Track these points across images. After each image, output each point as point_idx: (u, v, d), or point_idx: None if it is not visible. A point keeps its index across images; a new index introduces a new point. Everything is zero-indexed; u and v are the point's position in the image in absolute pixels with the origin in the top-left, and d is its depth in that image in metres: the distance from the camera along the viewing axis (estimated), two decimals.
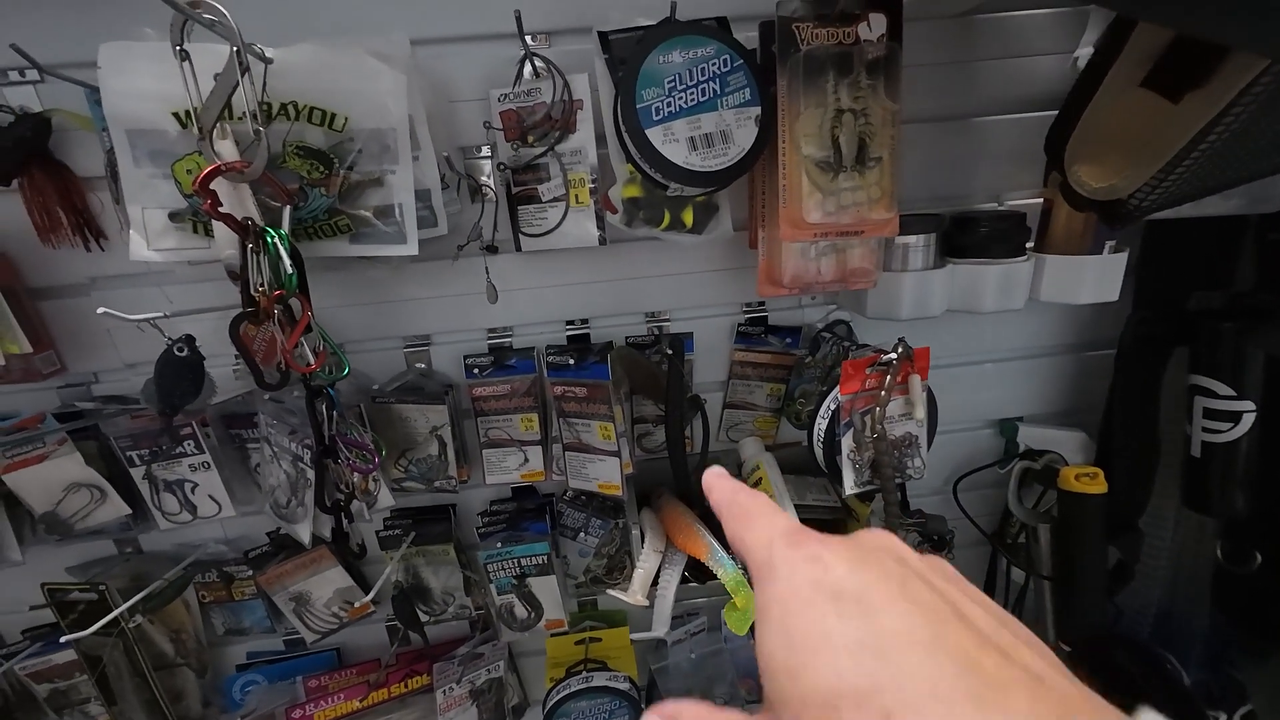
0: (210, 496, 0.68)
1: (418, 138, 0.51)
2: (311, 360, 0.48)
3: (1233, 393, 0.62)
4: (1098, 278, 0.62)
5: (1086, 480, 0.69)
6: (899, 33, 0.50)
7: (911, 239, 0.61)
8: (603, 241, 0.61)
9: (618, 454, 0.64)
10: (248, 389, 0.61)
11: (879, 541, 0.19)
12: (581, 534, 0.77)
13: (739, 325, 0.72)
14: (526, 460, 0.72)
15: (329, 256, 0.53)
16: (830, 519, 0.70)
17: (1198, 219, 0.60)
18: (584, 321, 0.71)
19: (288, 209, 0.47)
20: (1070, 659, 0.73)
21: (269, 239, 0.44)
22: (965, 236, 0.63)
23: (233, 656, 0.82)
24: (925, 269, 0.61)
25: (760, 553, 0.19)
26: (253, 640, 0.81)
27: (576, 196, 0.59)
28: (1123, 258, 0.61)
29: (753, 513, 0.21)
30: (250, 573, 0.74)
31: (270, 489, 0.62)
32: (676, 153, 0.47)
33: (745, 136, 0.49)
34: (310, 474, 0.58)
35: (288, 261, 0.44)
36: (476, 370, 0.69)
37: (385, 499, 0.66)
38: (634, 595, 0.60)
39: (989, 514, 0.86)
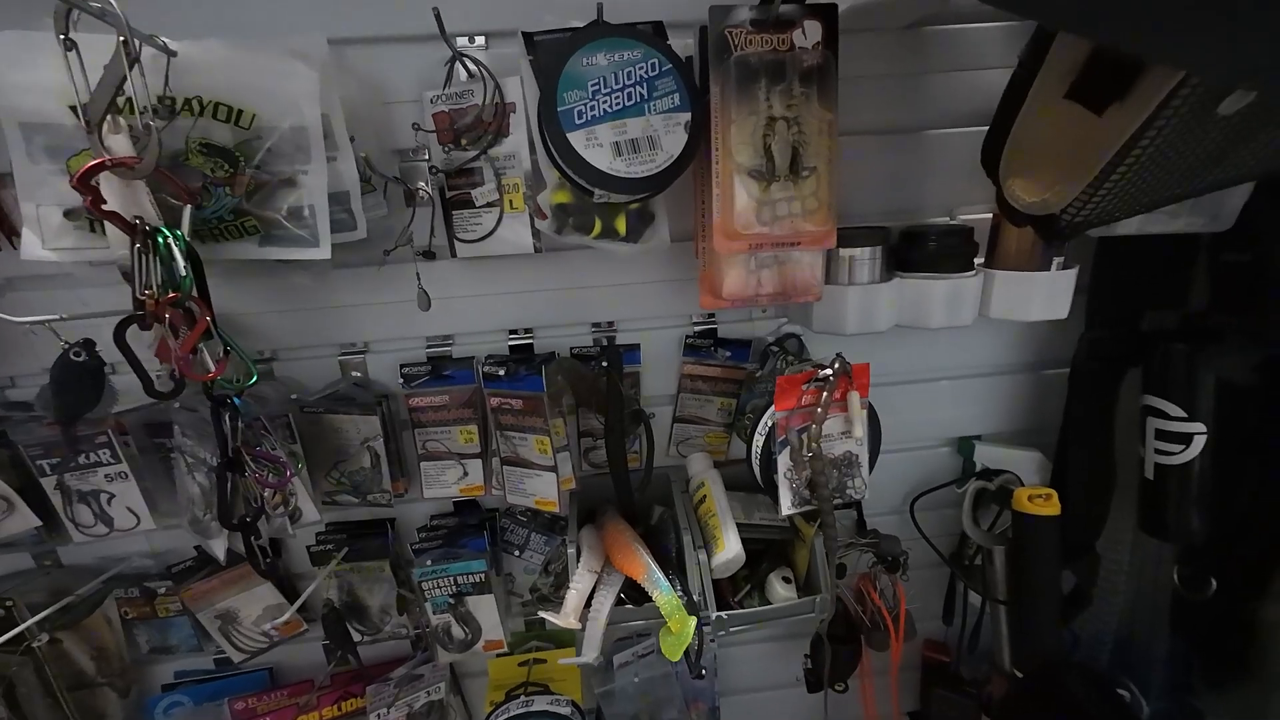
0: (128, 508, 0.65)
1: (335, 138, 0.49)
2: (211, 367, 0.45)
3: (1184, 414, 0.61)
4: (1047, 294, 0.60)
5: (1040, 502, 0.67)
6: (834, 41, 0.49)
7: (856, 251, 0.60)
8: (538, 249, 0.59)
9: (554, 469, 0.62)
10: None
11: None
12: (526, 550, 0.75)
13: (688, 337, 0.70)
14: (466, 474, 0.69)
15: (244, 260, 0.51)
16: (779, 539, 0.68)
17: (1150, 237, 0.59)
18: (527, 331, 0.69)
19: (188, 209, 0.44)
20: (1023, 688, 0.71)
21: (160, 239, 0.41)
22: (913, 251, 0.62)
23: (160, 676, 0.79)
24: (871, 283, 0.60)
25: None
26: (180, 659, 0.78)
27: (511, 202, 0.57)
28: (1071, 274, 0.60)
29: None
30: (173, 589, 0.71)
31: (186, 502, 0.60)
32: (600, 158, 0.45)
33: (674, 143, 0.47)
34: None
35: (181, 263, 0.42)
36: (413, 380, 0.66)
37: (311, 513, 0.63)
38: (565, 617, 0.57)
39: (948, 534, 0.84)
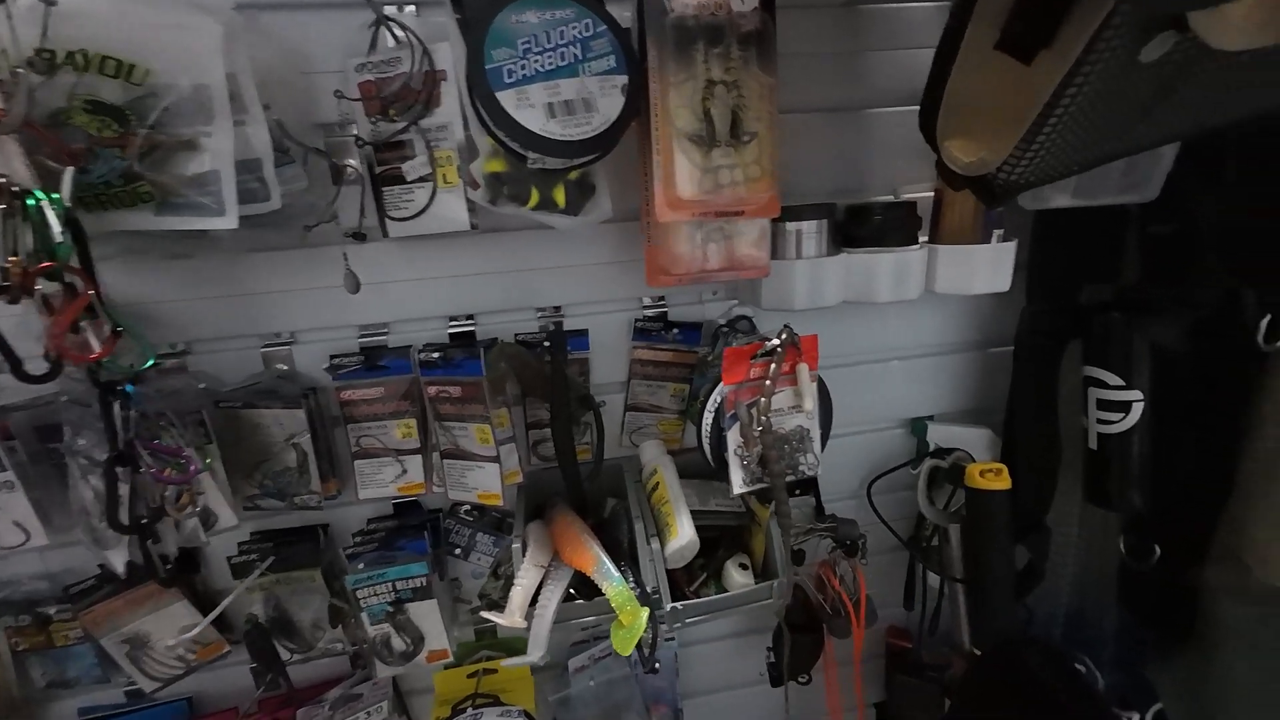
0: (15, 523, 0.58)
1: (244, 101, 0.45)
2: (96, 347, 0.40)
3: (1121, 382, 0.62)
4: (989, 267, 0.61)
5: (991, 476, 0.67)
6: (771, 5, 0.48)
7: (803, 225, 0.59)
8: (475, 226, 0.56)
9: (497, 460, 0.58)
10: (55, 393, 0.52)
11: None
12: (472, 553, 0.70)
13: (637, 321, 0.68)
14: (405, 471, 0.65)
15: (148, 237, 0.47)
16: (735, 525, 0.66)
17: (1082, 210, 0.60)
18: (469, 318, 0.66)
19: (70, 171, 0.40)
20: (982, 666, 0.71)
21: (31, 202, 0.37)
22: (859, 226, 0.62)
23: (60, 714, 0.70)
24: (818, 256, 0.59)
25: None
26: (84, 693, 0.69)
27: (445, 176, 0.54)
28: (1011, 247, 0.61)
29: None
30: (71, 612, 0.63)
31: (80, 511, 0.53)
32: (532, 119, 0.43)
33: (610, 106, 0.45)
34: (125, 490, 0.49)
35: (57, 228, 0.37)
36: (343, 371, 0.62)
37: (227, 518, 0.57)
38: (510, 615, 0.53)
39: (906, 516, 0.84)
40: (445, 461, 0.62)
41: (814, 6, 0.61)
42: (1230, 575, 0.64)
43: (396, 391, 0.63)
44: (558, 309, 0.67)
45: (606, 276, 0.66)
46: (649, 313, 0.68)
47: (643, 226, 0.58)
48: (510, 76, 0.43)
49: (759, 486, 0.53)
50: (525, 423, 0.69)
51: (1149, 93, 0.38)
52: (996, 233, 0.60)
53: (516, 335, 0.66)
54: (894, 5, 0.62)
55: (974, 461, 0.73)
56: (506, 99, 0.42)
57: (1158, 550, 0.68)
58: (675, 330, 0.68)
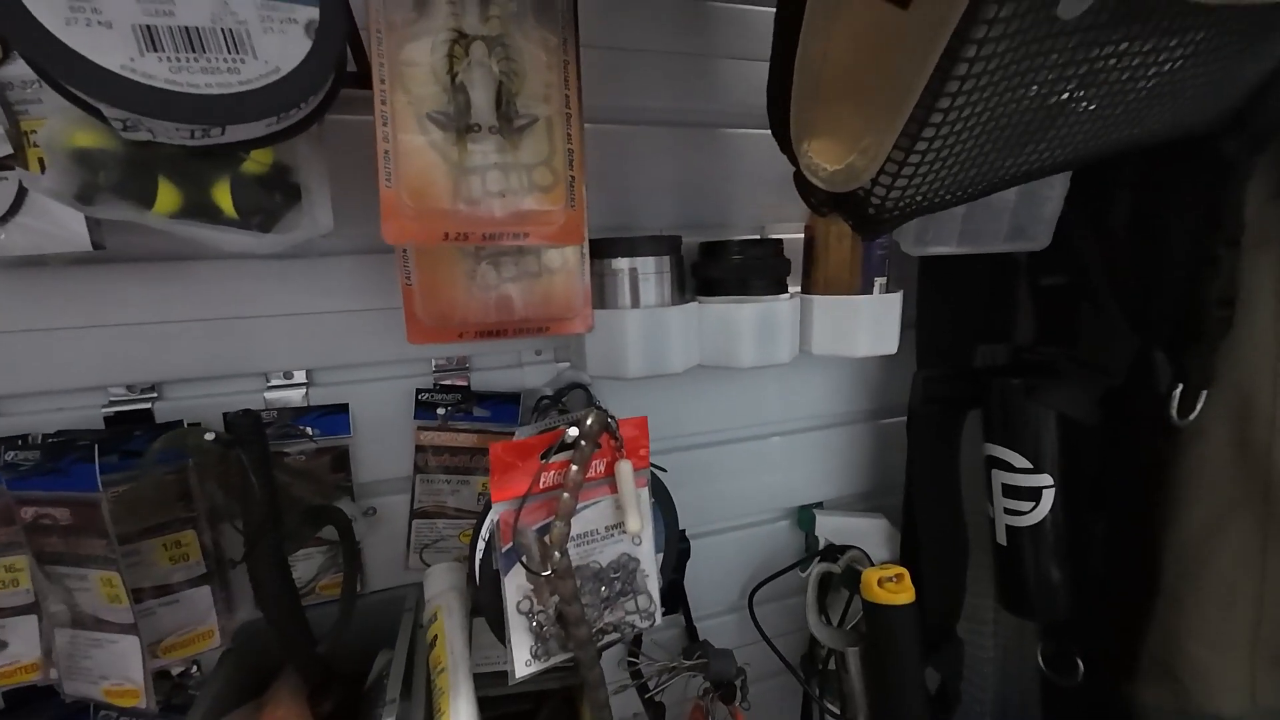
0: None
1: None
2: None
3: (1029, 464, 0.51)
4: (871, 323, 0.48)
5: (892, 586, 0.52)
6: None
7: (639, 262, 0.43)
8: (99, 245, 0.35)
9: (135, 629, 0.35)
10: None
11: None
12: None
13: (421, 391, 0.48)
14: (3, 646, 0.39)
15: None
16: (558, 687, 0.45)
17: (969, 259, 0.50)
18: (150, 390, 0.43)
19: None
20: None
21: None
22: (714, 267, 0.47)
23: None
24: (659, 305, 0.43)
25: None
26: None
27: (41, 162, 0.33)
28: (896, 299, 0.49)
29: None
30: None
31: None
32: (103, 45, 0.24)
33: (284, 50, 0.28)
34: None
35: None
36: None
37: None
38: None
39: (799, 628, 0.68)
40: (56, 631, 0.37)
41: None
42: (1166, 695, 0.52)
43: None
44: (300, 374, 0.46)
45: (375, 327, 0.46)
46: (440, 380, 0.49)
47: (398, 257, 0.40)
48: None
49: (558, 661, 0.34)
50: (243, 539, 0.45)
51: (1065, 79, 0.27)
52: (879, 281, 0.48)
53: (227, 414, 0.44)
54: (748, 8, 0.51)
55: (870, 564, 0.58)
56: (44, 8, 0.23)
57: (1080, 664, 0.56)
58: (484, 410, 0.49)
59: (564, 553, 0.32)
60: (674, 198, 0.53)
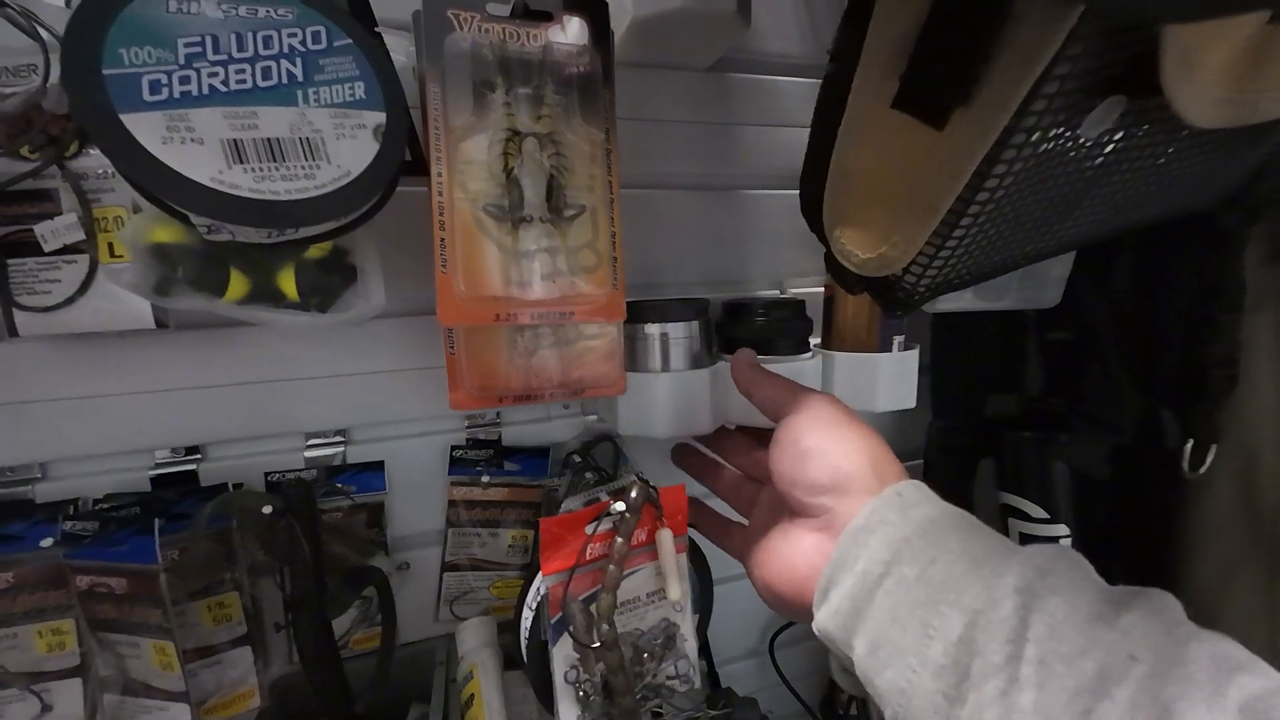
0: None
1: None
2: None
3: (1045, 515, 0.52)
4: (892, 379, 0.50)
5: None
6: (609, 45, 0.36)
7: (670, 328, 0.45)
8: (163, 323, 0.36)
9: (187, 697, 0.36)
10: None
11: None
12: None
13: (455, 448, 0.50)
14: (49, 709, 0.40)
15: None
16: None
17: (980, 314, 0.52)
18: (191, 451, 0.44)
19: None
20: None
21: None
22: (739, 328, 0.49)
23: None
24: (687, 369, 0.45)
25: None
26: None
27: (111, 247, 0.35)
28: (914, 355, 0.51)
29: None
30: None
31: None
32: (195, 161, 0.26)
33: (355, 154, 0.29)
34: None
35: None
36: None
37: None
38: None
39: (820, 670, 0.68)
40: (106, 696, 0.38)
41: (675, 69, 0.51)
42: None
43: (37, 576, 0.38)
44: (339, 434, 0.47)
45: (407, 387, 0.48)
46: (472, 436, 0.50)
47: (443, 329, 0.41)
48: (156, 92, 0.26)
49: None
50: (285, 603, 0.46)
51: (1084, 179, 0.29)
52: (897, 339, 0.50)
53: (269, 476, 0.45)
54: (765, 78, 0.54)
55: None
56: (143, 124, 0.25)
57: None
58: (514, 464, 0.51)
59: (611, 624, 0.33)
60: (697, 255, 0.55)
